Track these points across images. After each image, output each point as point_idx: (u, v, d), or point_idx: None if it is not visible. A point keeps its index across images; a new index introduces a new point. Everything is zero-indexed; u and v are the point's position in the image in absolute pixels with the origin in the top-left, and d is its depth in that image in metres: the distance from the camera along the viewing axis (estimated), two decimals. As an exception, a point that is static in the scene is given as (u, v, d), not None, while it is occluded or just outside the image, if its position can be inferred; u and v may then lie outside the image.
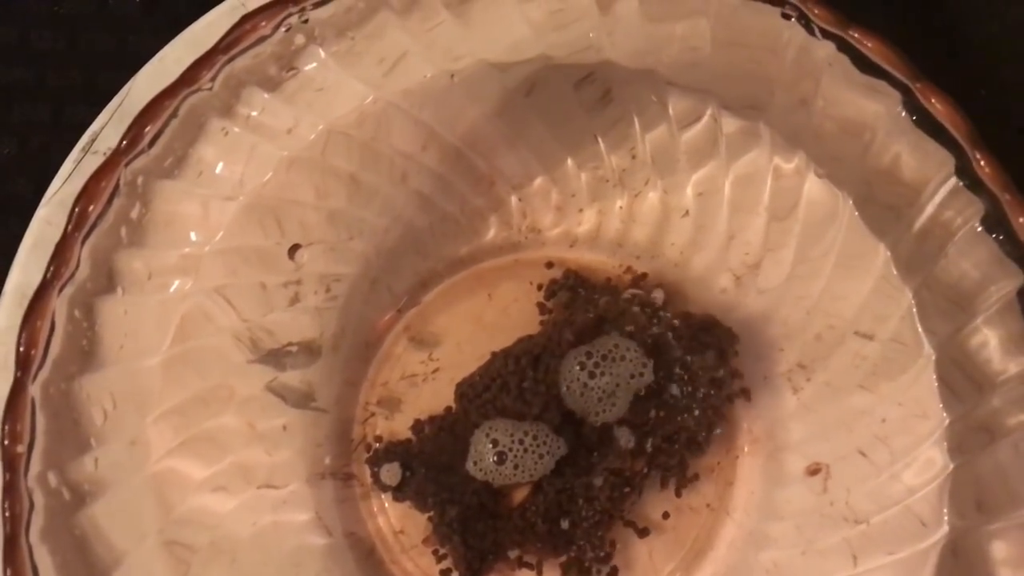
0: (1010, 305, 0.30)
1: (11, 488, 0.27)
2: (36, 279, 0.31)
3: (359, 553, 0.37)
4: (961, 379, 0.32)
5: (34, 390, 0.28)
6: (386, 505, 0.37)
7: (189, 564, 0.33)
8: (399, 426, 0.38)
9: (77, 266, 0.29)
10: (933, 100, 0.28)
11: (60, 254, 0.28)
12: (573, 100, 0.36)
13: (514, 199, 0.39)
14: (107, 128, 0.37)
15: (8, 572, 0.27)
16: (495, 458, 0.33)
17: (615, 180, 0.38)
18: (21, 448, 0.28)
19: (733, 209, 0.37)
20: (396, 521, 0.37)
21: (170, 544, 0.33)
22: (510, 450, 0.33)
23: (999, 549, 0.31)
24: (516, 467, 0.34)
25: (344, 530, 0.37)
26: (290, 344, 0.37)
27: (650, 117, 0.37)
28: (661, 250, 0.38)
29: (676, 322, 0.36)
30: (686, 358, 0.35)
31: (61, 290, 0.29)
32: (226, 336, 0.35)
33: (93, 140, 0.37)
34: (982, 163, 0.28)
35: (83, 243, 0.29)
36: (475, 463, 0.34)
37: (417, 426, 0.37)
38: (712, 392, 0.35)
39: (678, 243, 0.38)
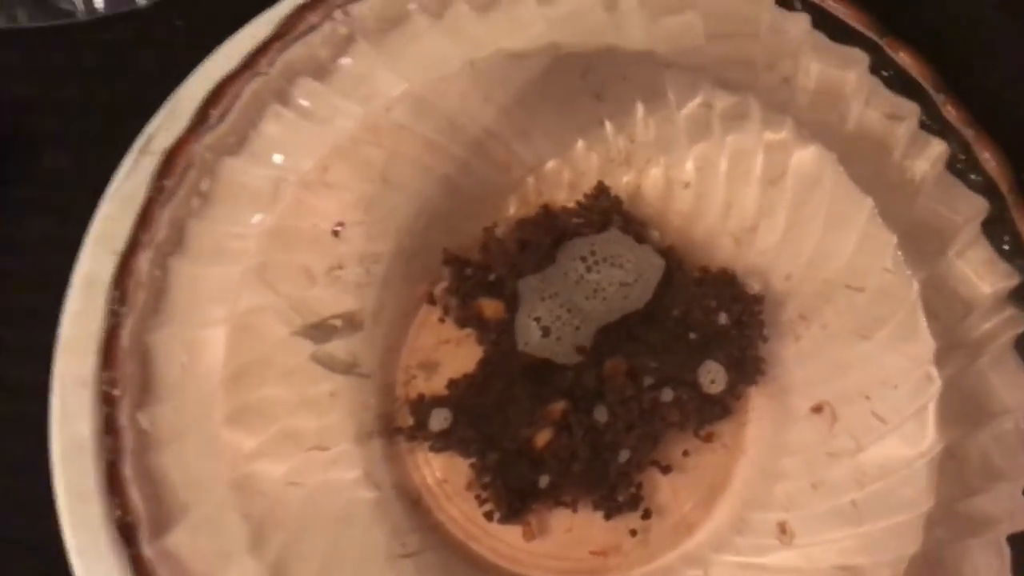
0: (978, 236, 0.35)
1: (111, 421, 0.30)
2: (102, 268, 0.35)
3: (406, 503, 0.40)
4: (943, 307, 0.36)
5: (124, 339, 0.32)
6: (429, 457, 0.40)
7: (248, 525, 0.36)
8: (438, 385, 0.41)
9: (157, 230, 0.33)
10: (900, 53, 0.33)
11: (145, 218, 0.32)
12: (581, 88, 0.41)
13: (530, 180, 0.43)
14: (160, 131, 0.40)
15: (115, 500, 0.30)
16: (540, 332, 0.38)
17: (621, 159, 0.43)
18: (118, 391, 0.31)
19: (729, 179, 0.41)
20: (439, 471, 0.40)
21: (231, 505, 0.35)
22: (552, 324, 0.38)
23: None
24: (559, 339, 0.38)
25: (391, 483, 0.40)
26: (334, 317, 0.40)
27: (651, 100, 0.41)
28: (667, 219, 0.42)
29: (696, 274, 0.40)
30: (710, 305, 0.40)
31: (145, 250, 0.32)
32: (273, 311, 0.38)
33: (148, 141, 0.40)
34: (948, 107, 0.32)
35: (163, 209, 0.33)
36: (526, 343, 0.38)
37: (454, 384, 0.40)
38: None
39: (681, 212, 0.42)
